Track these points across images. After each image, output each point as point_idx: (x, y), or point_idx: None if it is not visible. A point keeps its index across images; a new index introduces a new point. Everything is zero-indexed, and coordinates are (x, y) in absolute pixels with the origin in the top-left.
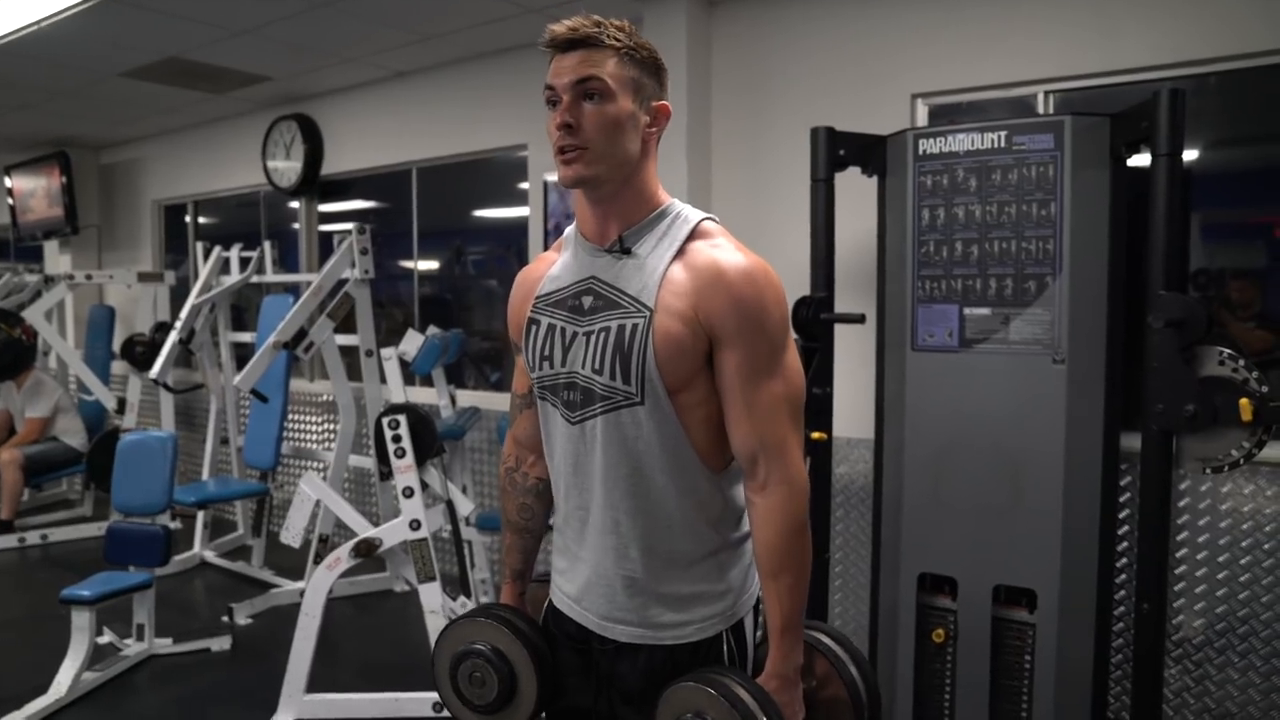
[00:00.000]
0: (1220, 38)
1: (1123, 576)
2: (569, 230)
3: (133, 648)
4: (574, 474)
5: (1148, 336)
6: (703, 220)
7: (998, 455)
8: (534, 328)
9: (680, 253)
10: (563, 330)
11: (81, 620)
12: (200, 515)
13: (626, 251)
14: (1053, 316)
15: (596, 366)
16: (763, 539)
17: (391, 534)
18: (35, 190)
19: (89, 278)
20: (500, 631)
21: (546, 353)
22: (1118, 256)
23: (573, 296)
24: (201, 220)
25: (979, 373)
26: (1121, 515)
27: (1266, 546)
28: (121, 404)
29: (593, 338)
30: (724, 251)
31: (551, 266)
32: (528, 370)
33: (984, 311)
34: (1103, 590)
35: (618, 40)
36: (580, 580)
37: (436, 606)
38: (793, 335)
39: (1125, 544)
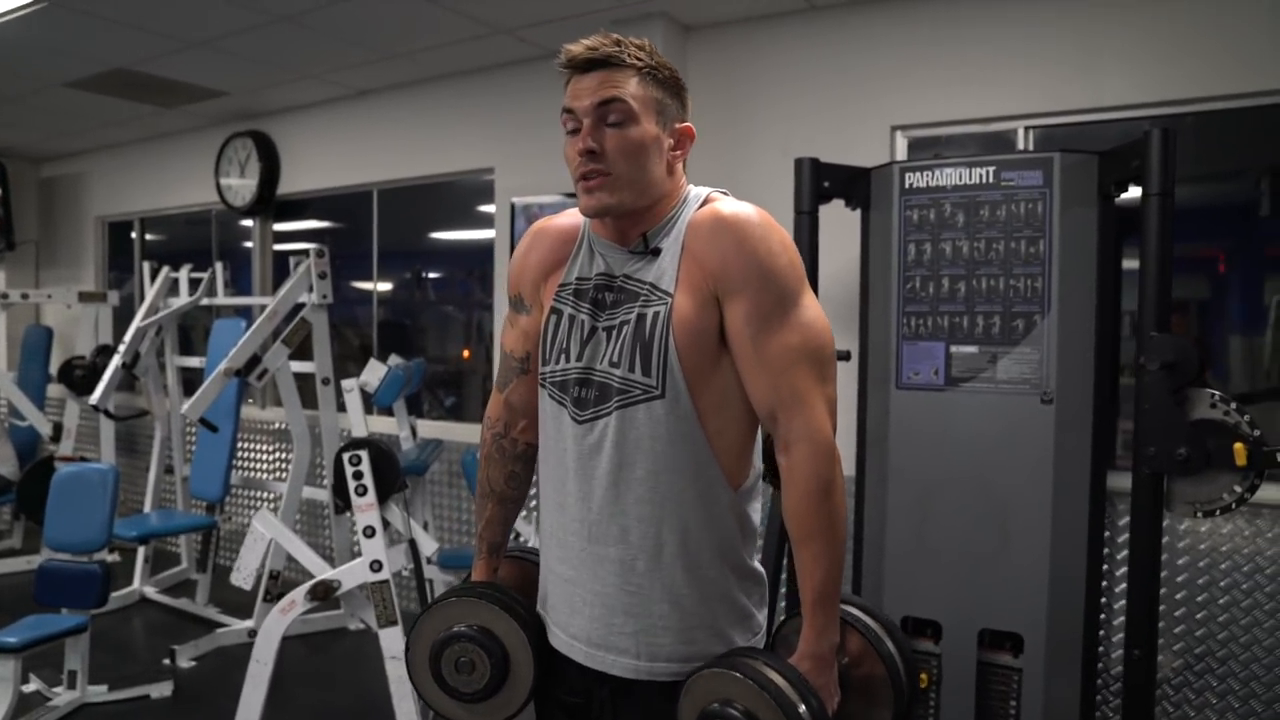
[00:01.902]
0: (1200, 79)
1: (1101, 616)
2: (584, 222)
3: (63, 696)
4: (576, 479)
5: (1139, 378)
6: (710, 192)
7: (984, 496)
8: (555, 318)
9: (689, 227)
10: (583, 324)
11: (5, 670)
12: (141, 549)
13: (655, 252)
14: (1041, 356)
15: (614, 360)
16: (788, 503)
17: (351, 576)
18: None
19: (25, 296)
20: (488, 609)
21: (564, 345)
22: (1106, 296)
23: (594, 290)
24: (148, 238)
25: (965, 412)
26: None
27: (1244, 586)
28: (57, 430)
29: (613, 332)
30: (723, 204)
31: (574, 246)
32: (540, 363)
33: (971, 350)
34: (1089, 634)
35: (639, 59)
36: (570, 602)
37: (398, 652)
38: (808, 288)
39: (1105, 583)
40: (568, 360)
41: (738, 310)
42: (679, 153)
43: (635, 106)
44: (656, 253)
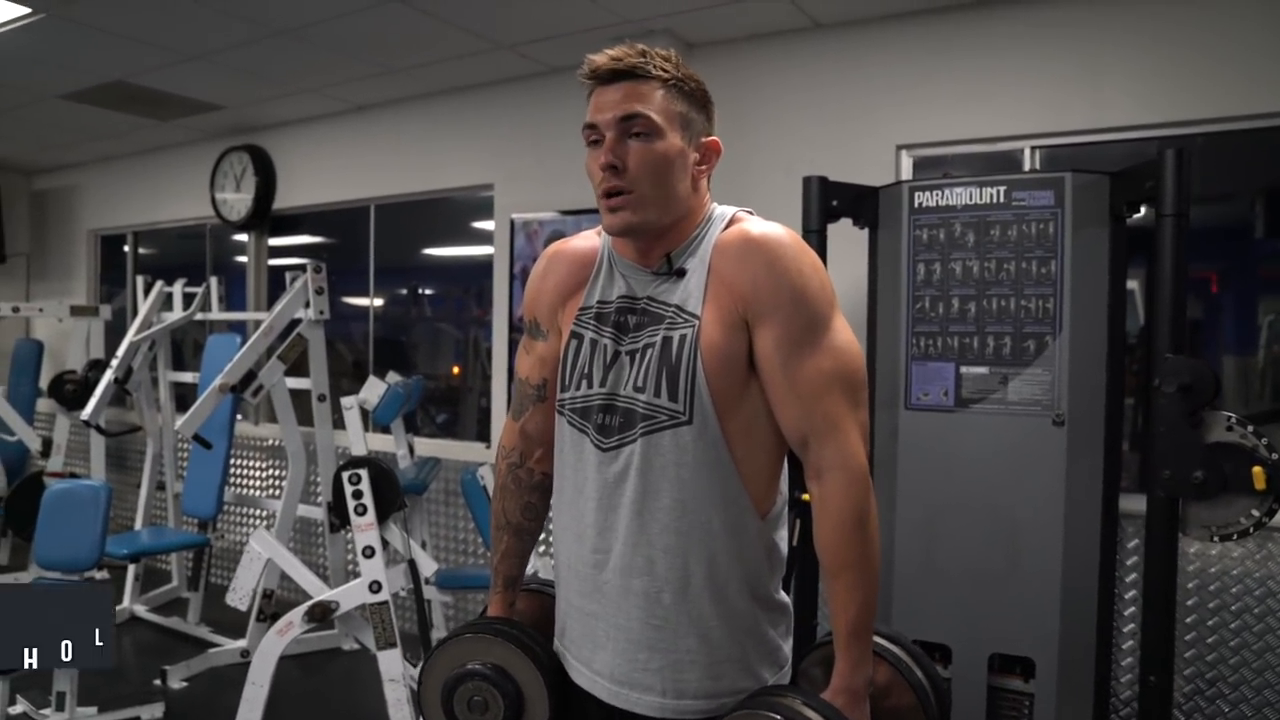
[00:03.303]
0: (1207, 100)
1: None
2: (603, 243)
3: (51, 719)
4: (598, 509)
5: (1154, 400)
6: (736, 212)
7: (994, 519)
8: (575, 343)
9: (716, 248)
10: (605, 348)
11: None
12: (131, 567)
13: (680, 273)
14: (1053, 377)
15: (639, 384)
16: (821, 534)
17: (349, 597)
18: None
19: (15, 310)
20: (503, 647)
21: (586, 371)
22: (1117, 317)
23: (616, 313)
24: (142, 252)
25: (975, 433)
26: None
27: (1256, 610)
28: (47, 446)
29: (637, 355)
30: (751, 224)
31: (593, 269)
32: (559, 389)
33: (981, 370)
34: (1102, 658)
35: (665, 71)
36: (592, 637)
37: (397, 675)
38: (839, 312)
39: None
40: (590, 386)
41: (768, 335)
42: (704, 168)
43: (660, 121)
44: (681, 273)
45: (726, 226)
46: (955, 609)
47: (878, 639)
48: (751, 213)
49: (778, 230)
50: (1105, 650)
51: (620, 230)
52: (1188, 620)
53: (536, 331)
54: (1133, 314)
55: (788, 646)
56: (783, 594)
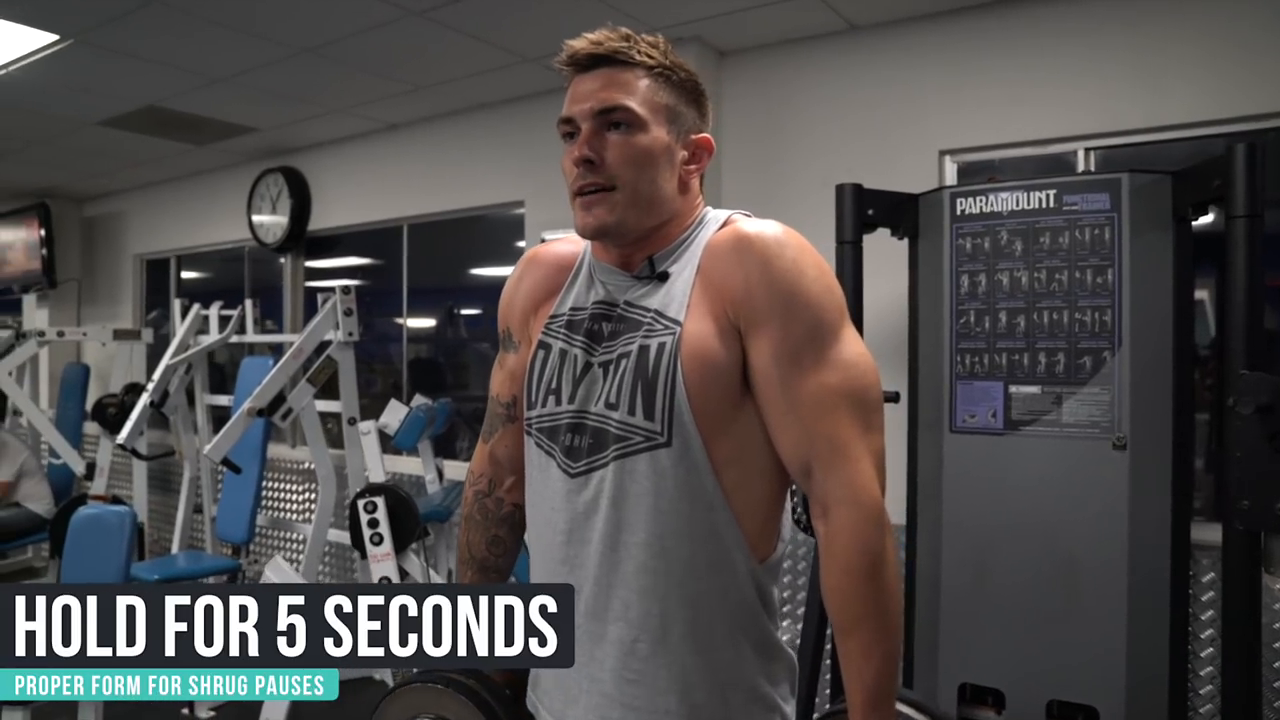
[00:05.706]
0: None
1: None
2: (585, 247)
3: None
4: (567, 543)
5: (1228, 421)
6: (732, 214)
7: (1051, 552)
8: (542, 353)
9: (707, 249)
10: (575, 360)
11: None
12: None
13: (662, 276)
14: (1112, 396)
15: (612, 400)
16: (829, 581)
17: None
18: (14, 242)
19: (61, 335)
20: (454, 700)
21: (554, 385)
22: (1184, 329)
23: (590, 320)
24: (187, 275)
25: (1027, 458)
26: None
27: None
28: (91, 469)
29: (610, 367)
30: (747, 223)
31: (571, 273)
32: (525, 406)
33: (1032, 390)
34: (1176, 709)
35: (650, 57)
36: (566, 690)
37: None
38: (849, 321)
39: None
40: (558, 403)
41: (764, 344)
42: (694, 167)
43: (643, 112)
44: (664, 277)
45: (720, 229)
46: (1009, 650)
47: (903, 708)
48: (749, 215)
49: (775, 227)
50: (1180, 699)
51: (594, 232)
52: (1275, 665)
53: (509, 343)
54: (1203, 324)
55: (789, 707)
56: (782, 641)
